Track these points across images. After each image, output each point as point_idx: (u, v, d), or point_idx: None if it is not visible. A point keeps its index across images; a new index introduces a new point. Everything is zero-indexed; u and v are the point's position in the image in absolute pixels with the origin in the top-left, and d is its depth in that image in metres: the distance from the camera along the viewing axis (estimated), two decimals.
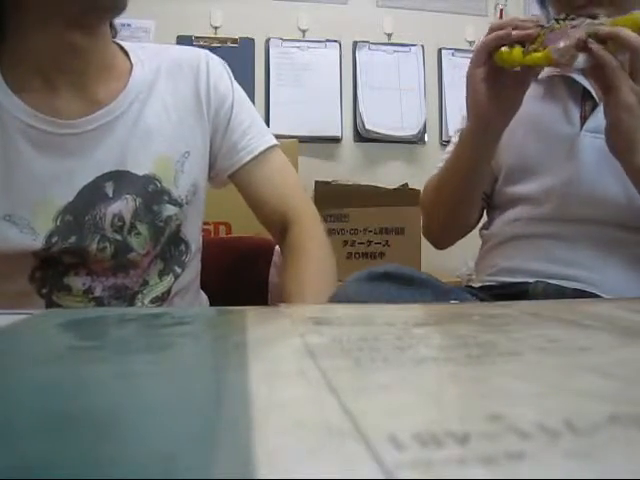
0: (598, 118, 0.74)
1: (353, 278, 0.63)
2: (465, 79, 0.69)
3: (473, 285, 0.83)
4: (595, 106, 0.76)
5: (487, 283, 0.81)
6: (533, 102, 0.75)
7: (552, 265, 0.75)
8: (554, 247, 0.75)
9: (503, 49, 0.65)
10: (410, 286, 0.63)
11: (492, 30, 0.66)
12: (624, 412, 0.16)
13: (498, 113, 0.68)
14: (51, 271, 0.63)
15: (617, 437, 0.14)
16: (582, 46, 0.60)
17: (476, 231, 0.91)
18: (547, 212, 0.76)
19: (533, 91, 0.75)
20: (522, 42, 0.64)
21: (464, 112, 0.89)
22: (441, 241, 0.92)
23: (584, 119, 0.76)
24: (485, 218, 0.90)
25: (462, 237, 0.89)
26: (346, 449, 0.13)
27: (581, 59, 0.61)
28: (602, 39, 0.60)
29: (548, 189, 0.77)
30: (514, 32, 0.63)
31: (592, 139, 0.75)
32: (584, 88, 0.77)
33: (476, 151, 0.74)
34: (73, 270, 0.64)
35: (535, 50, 0.63)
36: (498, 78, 0.67)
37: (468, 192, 0.80)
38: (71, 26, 0.59)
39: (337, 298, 0.61)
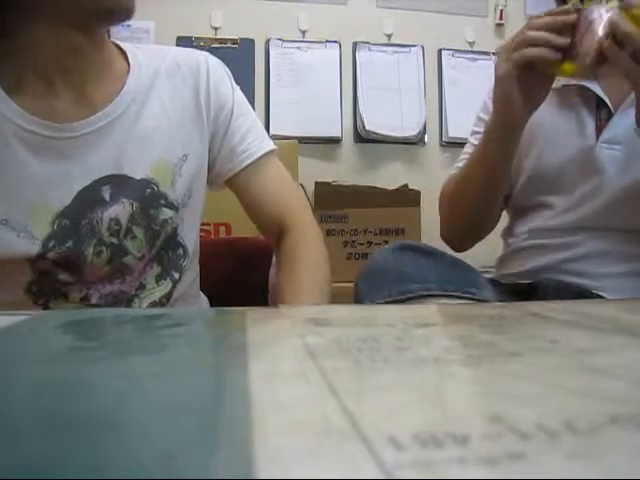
0: (614, 128, 0.76)
1: (380, 250, 0.78)
2: (495, 76, 0.70)
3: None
4: (610, 115, 0.77)
5: (502, 281, 0.85)
6: (549, 112, 0.77)
7: (565, 276, 0.76)
8: (567, 258, 0.77)
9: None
10: (427, 257, 0.73)
11: (529, 38, 0.66)
12: (624, 413, 0.16)
13: (524, 110, 0.70)
14: (47, 287, 0.63)
15: (617, 438, 0.14)
16: (603, 59, 0.62)
17: None
18: (564, 223, 0.78)
19: (549, 100, 0.77)
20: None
21: (479, 113, 0.89)
22: (462, 243, 0.91)
23: (599, 129, 0.77)
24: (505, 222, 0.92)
25: (482, 239, 0.89)
26: (346, 449, 0.13)
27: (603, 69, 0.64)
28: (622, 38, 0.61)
29: (567, 203, 0.78)
30: (550, 46, 0.65)
31: (608, 150, 0.75)
32: (598, 97, 0.77)
33: (501, 146, 0.75)
34: (69, 285, 0.64)
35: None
36: (527, 76, 0.68)
37: (493, 189, 0.81)
38: (73, 26, 0.58)
39: (368, 268, 0.74)
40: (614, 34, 0.61)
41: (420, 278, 0.69)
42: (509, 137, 0.74)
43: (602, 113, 0.77)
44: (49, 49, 0.59)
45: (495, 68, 0.70)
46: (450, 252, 0.97)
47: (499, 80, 0.69)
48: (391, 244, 0.77)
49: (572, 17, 0.64)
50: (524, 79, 0.67)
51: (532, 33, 0.66)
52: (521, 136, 0.75)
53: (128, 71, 0.67)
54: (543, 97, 0.71)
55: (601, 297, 0.73)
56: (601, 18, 0.62)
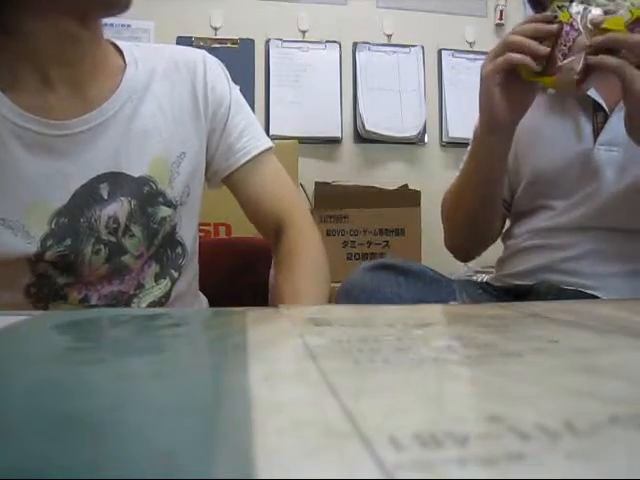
0: (611, 130, 0.76)
1: (357, 269, 0.77)
2: (480, 78, 0.71)
3: (476, 280, 0.86)
4: (607, 118, 0.77)
5: (497, 284, 0.85)
6: (545, 117, 0.77)
7: (563, 276, 0.77)
8: (566, 257, 0.78)
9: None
10: (405, 276, 0.73)
11: (513, 42, 0.66)
12: (624, 412, 0.16)
13: (508, 114, 0.70)
14: (46, 289, 0.63)
15: (617, 438, 0.14)
16: (586, 74, 0.63)
17: None
18: (563, 223, 0.78)
19: (545, 105, 0.78)
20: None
21: (477, 120, 0.90)
22: (467, 253, 0.91)
23: (596, 132, 0.77)
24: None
25: (487, 247, 0.89)
26: (346, 449, 0.13)
27: (589, 83, 0.65)
28: (600, 48, 0.61)
29: (566, 204, 0.78)
30: (532, 57, 0.65)
31: (606, 152, 0.76)
32: (594, 100, 0.77)
33: (488, 147, 0.75)
34: (67, 288, 0.64)
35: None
36: (511, 81, 0.68)
37: (488, 191, 0.81)
38: (70, 16, 0.57)
39: (345, 287, 0.74)
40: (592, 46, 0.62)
41: (396, 298, 0.70)
42: (495, 139, 0.74)
43: (598, 116, 0.77)
44: (45, 40, 0.58)
45: (480, 70, 0.71)
46: (447, 260, 0.97)
47: (482, 82, 0.70)
48: (368, 262, 0.78)
49: (555, 27, 0.64)
50: (508, 84, 0.68)
51: (514, 37, 0.67)
52: (510, 140, 0.75)
53: (124, 69, 0.66)
54: (528, 103, 0.71)
55: (596, 298, 0.73)
56: (579, 32, 0.63)
